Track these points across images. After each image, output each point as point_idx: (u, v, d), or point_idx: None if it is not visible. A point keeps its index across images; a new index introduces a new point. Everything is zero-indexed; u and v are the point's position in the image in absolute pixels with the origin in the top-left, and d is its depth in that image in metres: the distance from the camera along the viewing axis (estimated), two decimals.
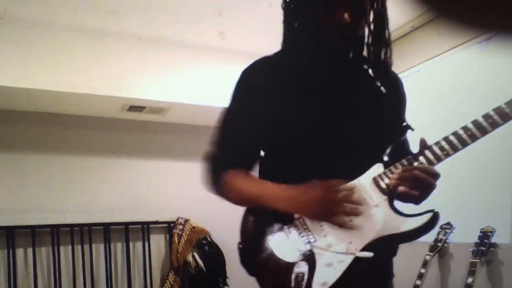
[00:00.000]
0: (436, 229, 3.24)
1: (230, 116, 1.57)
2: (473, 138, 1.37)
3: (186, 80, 4.13)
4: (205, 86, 4.17)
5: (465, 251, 3.03)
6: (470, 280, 2.81)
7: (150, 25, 3.80)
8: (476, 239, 2.97)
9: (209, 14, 3.61)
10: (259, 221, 1.49)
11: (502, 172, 3.09)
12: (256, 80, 1.54)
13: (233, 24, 3.81)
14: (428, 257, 3.13)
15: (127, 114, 4.44)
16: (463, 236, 3.19)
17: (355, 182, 1.45)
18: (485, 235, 2.96)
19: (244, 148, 1.55)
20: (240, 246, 1.52)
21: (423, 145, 1.42)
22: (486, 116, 1.35)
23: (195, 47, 4.12)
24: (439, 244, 3.17)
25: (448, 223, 3.24)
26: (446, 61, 3.62)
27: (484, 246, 2.91)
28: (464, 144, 1.38)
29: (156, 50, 4.02)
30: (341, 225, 1.39)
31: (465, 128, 1.37)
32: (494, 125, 1.35)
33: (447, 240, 3.19)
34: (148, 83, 4.01)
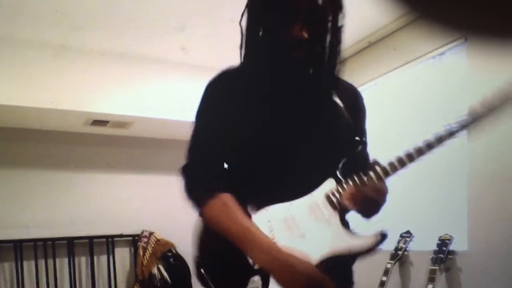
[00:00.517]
0: (396, 237, 3.26)
1: (199, 129, 1.53)
2: (420, 153, 1.37)
3: (150, 94, 4.09)
4: (169, 100, 4.14)
5: (424, 259, 3.05)
6: (430, 287, 2.82)
7: (113, 40, 3.76)
8: (435, 247, 2.99)
9: (171, 29, 3.59)
10: (215, 236, 1.44)
11: (458, 180, 3.13)
12: (218, 92, 1.52)
13: (195, 39, 3.80)
14: (389, 265, 3.14)
15: (90, 128, 4.37)
16: (422, 244, 3.21)
17: (308, 196, 1.43)
18: (443, 242, 2.98)
19: (216, 163, 1.51)
20: (197, 259, 1.49)
21: (374, 161, 1.42)
22: (436, 136, 1.37)
23: (158, 62, 4.10)
24: (400, 252, 3.18)
25: (408, 232, 3.26)
26: (403, 75, 3.66)
27: (443, 253, 2.93)
28: (411, 159, 1.38)
29: (119, 64, 3.98)
30: None
31: (415, 148, 1.38)
32: (440, 142, 1.36)
33: (407, 248, 3.21)
34: (111, 97, 3.96)
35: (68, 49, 3.79)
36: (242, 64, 1.53)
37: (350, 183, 1.41)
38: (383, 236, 1.37)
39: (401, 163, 1.38)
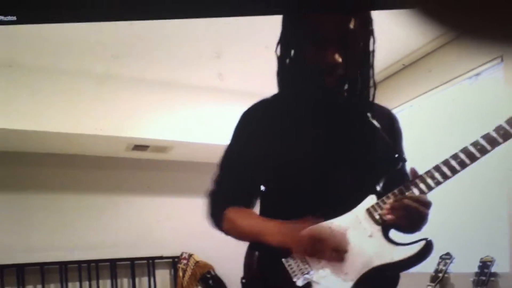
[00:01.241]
0: (436, 259, 3.17)
1: (230, 155, 1.58)
2: (463, 165, 1.37)
3: (188, 119, 4.15)
4: (206, 125, 4.18)
5: (465, 281, 2.95)
6: None
7: (152, 68, 3.83)
8: (476, 269, 2.90)
9: (208, 56, 3.65)
10: (260, 255, 1.47)
11: (498, 200, 3.04)
12: (255, 122, 1.56)
13: (231, 66, 3.84)
14: None
15: (131, 153, 4.44)
16: (463, 266, 3.11)
17: (349, 214, 1.44)
18: (485, 264, 2.88)
19: (243, 186, 1.55)
20: (243, 281, 1.49)
21: (414, 174, 1.41)
22: (475, 144, 1.37)
23: (196, 88, 4.15)
24: (440, 274, 3.08)
25: (448, 253, 3.16)
26: (438, 97, 3.60)
27: (485, 275, 2.83)
28: (454, 171, 1.37)
29: (158, 91, 4.04)
30: (329, 260, 1.38)
31: (454, 156, 1.38)
32: (483, 151, 1.36)
33: (448, 270, 3.11)
34: (151, 122, 4.03)
35: (110, 77, 3.87)
36: (278, 91, 1.55)
37: (392, 197, 1.41)
38: (428, 245, 1.36)
39: (444, 175, 1.37)
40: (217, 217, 1.53)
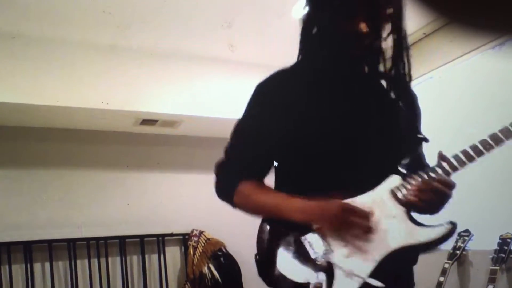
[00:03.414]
0: (454, 236, 3.19)
1: (244, 127, 1.58)
2: (489, 148, 1.41)
3: (198, 92, 4.14)
4: (217, 98, 4.18)
5: (484, 259, 2.98)
6: (490, 287, 2.75)
7: (160, 39, 3.82)
8: (495, 246, 2.92)
9: (219, 26, 3.62)
10: (275, 232, 1.48)
11: None
12: (270, 93, 1.55)
13: (242, 36, 3.81)
14: (447, 265, 3.07)
15: (139, 128, 4.46)
16: (482, 243, 3.13)
17: (371, 193, 1.44)
18: (504, 241, 2.90)
19: (257, 159, 1.56)
20: (257, 258, 1.51)
21: (441, 156, 1.43)
22: (504, 129, 1.41)
23: (206, 60, 4.14)
24: (458, 251, 3.11)
25: (467, 230, 3.18)
26: (459, 67, 3.57)
27: (504, 253, 2.86)
28: (480, 154, 1.41)
29: (167, 63, 4.04)
30: (356, 238, 1.39)
31: (483, 142, 1.41)
32: (509, 135, 1.40)
33: (466, 248, 3.14)
34: (160, 96, 4.03)
35: (116, 49, 3.87)
36: (297, 61, 1.55)
37: (418, 178, 1.42)
38: (453, 225, 1.39)
39: (469, 157, 1.40)
40: (228, 189, 1.54)
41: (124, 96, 3.91)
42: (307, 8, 1.52)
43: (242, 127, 1.58)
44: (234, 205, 1.54)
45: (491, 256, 2.90)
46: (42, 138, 4.26)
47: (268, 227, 1.50)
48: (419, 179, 1.42)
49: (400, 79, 1.50)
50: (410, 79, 1.51)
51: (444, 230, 1.38)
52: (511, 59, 3.18)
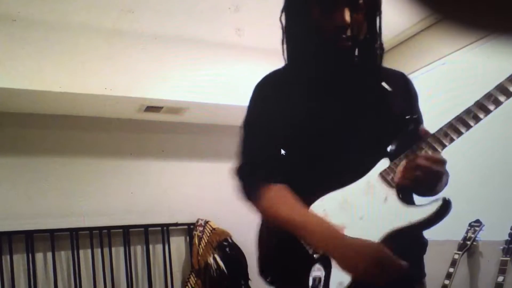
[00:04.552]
0: (465, 227, 3.22)
1: (255, 126, 1.61)
2: (476, 118, 1.35)
3: (204, 78, 4.13)
4: (223, 84, 4.18)
5: (495, 249, 3.01)
6: (501, 279, 2.79)
7: (165, 23, 3.82)
8: (506, 237, 2.95)
9: (225, 10, 3.62)
10: (274, 231, 1.53)
11: None
12: (267, 91, 1.61)
13: (250, 20, 3.81)
14: (456, 256, 3.11)
15: (144, 115, 4.48)
16: (493, 234, 3.17)
17: (362, 179, 1.48)
18: None
19: (274, 158, 1.57)
20: (259, 256, 1.57)
21: (425, 133, 1.43)
22: (488, 95, 1.35)
23: (212, 45, 4.14)
24: (468, 242, 3.15)
25: (477, 221, 3.22)
26: (473, 53, 3.59)
27: None
28: (467, 126, 1.36)
29: (172, 48, 4.04)
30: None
31: (467, 111, 1.37)
32: (496, 102, 1.33)
33: (477, 238, 3.17)
34: (165, 82, 4.04)
35: (119, 33, 3.87)
36: (287, 60, 1.60)
37: (404, 158, 1.43)
38: (445, 203, 1.35)
39: (456, 130, 1.38)
40: (253, 196, 1.54)
41: (127, 82, 3.91)
42: (285, 7, 1.58)
43: (252, 126, 1.61)
44: (259, 211, 1.55)
45: (501, 247, 2.93)
46: (43, 125, 4.28)
47: (269, 229, 1.56)
48: (405, 159, 1.43)
49: (378, 66, 1.57)
50: (382, 51, 1.56)
51: (435, 208, 1.35)
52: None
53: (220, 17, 3.74)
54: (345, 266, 1.36)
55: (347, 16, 1.42)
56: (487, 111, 1.34)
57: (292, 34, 1.56)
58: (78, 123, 4.40)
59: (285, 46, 1.59)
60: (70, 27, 3.70)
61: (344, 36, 1.45)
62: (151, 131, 4.69)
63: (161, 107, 4.29)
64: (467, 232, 3.19)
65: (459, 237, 3.20)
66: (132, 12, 3.61)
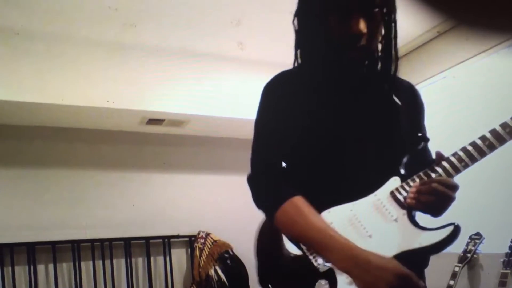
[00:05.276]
0: (465, 239, 3.24)
1: (268, 133, 1.58)
2: (492, 147, 1.38)
3: (206, 91, 4.16)
4: (225, 97, 4.20)
5: (495, 262, 3.03)
6: None
7: (167, 37, 3.86)
8: (506, 249, 2.97)
9: (227, 24, 3.66)
10: (277, 240, 1.51)
11: None
12: (275, 98, 1.58)
13: (251, 34, 3.85)
14: (457, 269, 3.13)
15: (146, 127, 4.51)
16: (493, 247, 3.19)
17: (371, 196, 1.47)
18: None
19: (290, 167, 1.56)
20: (261, 267, 1.56)
21: (440, 156, 1.44)
22: (504, 125, 1.37)
23: (214, 58, 4.17)
24: (468, 255, 3.16)
25: (478, 233, 3.24)
26: (474, 67, 3.62)
27: None
28: (482, 154, 1.39)
29: (174, 61, 4.07)
30: None
31: (482, 138, 1.39)
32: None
33: (477, 251, 3.19)
34: (167, 95, 4.07)
35: (122, 46, 3.91)
36: (298, 64, 1.58)
37: (417, 180, 1.44)
38: (455, 228, 1.36)
39: (471, 157, 1.39)
40: (270, 208, 1.51)
41: (130, 95, 3.94)
42: (298, 11, 1.55)
43: (265, 133, 1.58)
44: (273, 222, 1.51)
45: (502, 260, 2.95)
46: (45, 138, 4.31)
47: (269, 234, 1.53)
48: (419, 181, 1.43)
49: (391, 78, 1.55)
50: (396, 70, 1.54)
51: (446, 234, 1.36)
52: None
53: (222, 31, 3.77)
54: (364, 284, 1.34)
55: (362, 25, 1.41)
56: (502, 141, 1.37)
57: (304, 38, 1.54)
58: (80, 136, 4.44)
59: (298, 50, 1.57)
60: (72, 40, 3.74)
61: (358, 45, 1.44)
62: (153, 143, 4.71)
63: (163, 120, 4.32)
64: (467, 245, 3.21)
65: (459, 249, 3.21)
66: (134, 26, 3.64)
